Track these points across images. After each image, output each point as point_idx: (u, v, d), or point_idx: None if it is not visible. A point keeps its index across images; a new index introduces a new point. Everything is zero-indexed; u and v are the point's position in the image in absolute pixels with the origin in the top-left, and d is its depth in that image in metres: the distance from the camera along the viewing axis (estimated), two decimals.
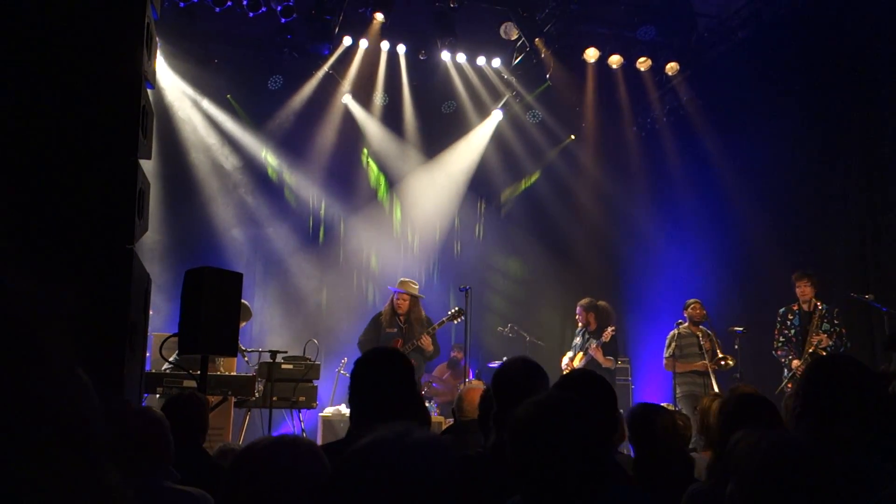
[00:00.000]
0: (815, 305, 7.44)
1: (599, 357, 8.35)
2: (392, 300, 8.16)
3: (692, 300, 8.28)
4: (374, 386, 2.60)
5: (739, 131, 9.53)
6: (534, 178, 12.00)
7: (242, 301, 7.62)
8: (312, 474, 1.71)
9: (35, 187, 3.33)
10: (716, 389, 7.67)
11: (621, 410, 4.32)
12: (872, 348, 7.61)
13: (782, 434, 1.83)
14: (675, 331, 8.19)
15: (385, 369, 2.63)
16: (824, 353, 7.13)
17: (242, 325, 7.80)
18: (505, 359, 3.95)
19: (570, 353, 8.77)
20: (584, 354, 8.47)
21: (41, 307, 0.68)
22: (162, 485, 2.44)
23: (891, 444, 2.53)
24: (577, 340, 8.75)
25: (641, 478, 3.08)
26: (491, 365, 7.04)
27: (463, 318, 8.02)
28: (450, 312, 8.07)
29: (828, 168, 8.46)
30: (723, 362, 7.89)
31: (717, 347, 8.01)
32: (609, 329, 8.41)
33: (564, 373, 7.51)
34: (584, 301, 8.78)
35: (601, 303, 8.82)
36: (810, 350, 7.25)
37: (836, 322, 7.36)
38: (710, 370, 7.88)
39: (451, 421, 8.14)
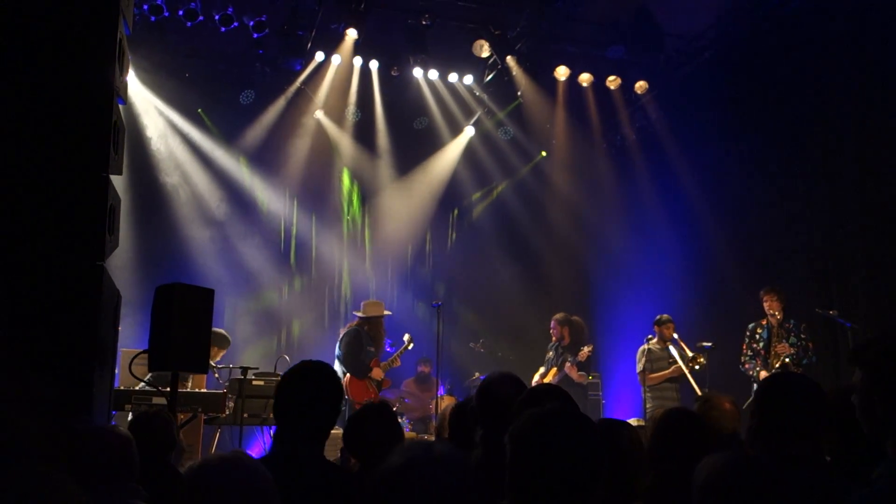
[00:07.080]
0: (780, 320, 7.57)
1: (574, 374, 8.41)
2: (380, 322, 8.33)
3: (666, 316, 8.36)
4: (299, 400, 2.73)
5: (705, 149, 9.69)
6: (501, 187, 12.04)
7: (221, 331, 7.64)
8: (260, 489, 1.83)
9: (4, 202, 3.30)
10: (696, 390, 7.73)
11: None
12: (837, 362, 7.74)
13: (742, 455, 1.88)
14: (646, 346, 8.26)
15: (310, 384, 2.81)
16: (787, 361, 7.28)
17: (222, 353, 7.77)
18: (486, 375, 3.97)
19: (542, 369, 8.81)
20: (558, 370, 8.51)
21: None
22: (129, 503, 2.43)
23: (857, 459, 2.58)
24: (550, 355, 8.79)
25: (608, 493, 3.09)
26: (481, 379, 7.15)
27: (413, 344, 8.55)
28: (405, 342, 8.53)
29: (791, 185, 8.61)
30: (696, 367, 7.97)
31: (686, 350, 8.10)
32: (586, 349, 8.46)
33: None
34: (558, 315, 8.84)
35: (575, 318, 8.88)
36: (777, 363, 7.37)
37: (802, 336, 7.51)
38: (686, 373, 7.93)
39: (423, 437, 8.19)
